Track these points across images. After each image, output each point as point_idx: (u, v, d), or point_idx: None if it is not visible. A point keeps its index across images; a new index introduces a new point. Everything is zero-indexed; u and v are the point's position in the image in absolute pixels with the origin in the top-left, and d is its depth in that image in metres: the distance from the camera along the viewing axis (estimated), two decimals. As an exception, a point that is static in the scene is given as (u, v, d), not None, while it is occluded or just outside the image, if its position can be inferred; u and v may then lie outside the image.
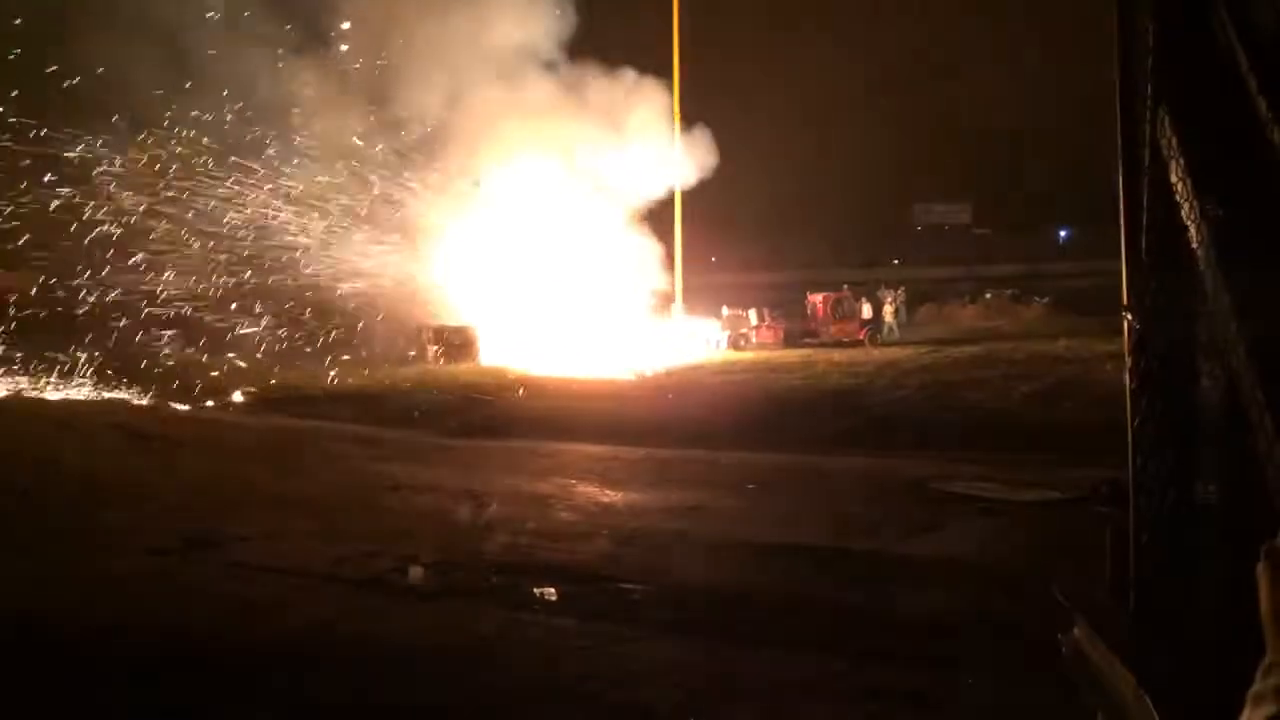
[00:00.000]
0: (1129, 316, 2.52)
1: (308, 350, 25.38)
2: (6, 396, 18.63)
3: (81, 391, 20.09)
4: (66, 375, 20.89)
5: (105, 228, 24.42)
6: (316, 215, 27.57)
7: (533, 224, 28.48)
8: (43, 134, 23.99)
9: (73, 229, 23.88)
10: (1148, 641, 2.41)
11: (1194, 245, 2.03)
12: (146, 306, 24.46)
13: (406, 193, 29.02)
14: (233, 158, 26.50)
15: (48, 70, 23.46)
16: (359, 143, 28.07)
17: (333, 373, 23.30)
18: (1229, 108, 1.94)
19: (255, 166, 26.71)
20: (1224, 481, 2.32)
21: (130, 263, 24.64)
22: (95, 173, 24.84)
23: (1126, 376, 2.55)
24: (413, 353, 27.65)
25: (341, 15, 27.77)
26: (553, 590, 7.68)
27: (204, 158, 26.12)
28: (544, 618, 7.22)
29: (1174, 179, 2.12)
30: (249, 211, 26.62)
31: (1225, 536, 2.29)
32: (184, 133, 25.72)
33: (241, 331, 25.16)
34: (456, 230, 28.90)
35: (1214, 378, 2.27)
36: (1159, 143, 2.22)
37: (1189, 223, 2.03)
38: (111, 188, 24.99)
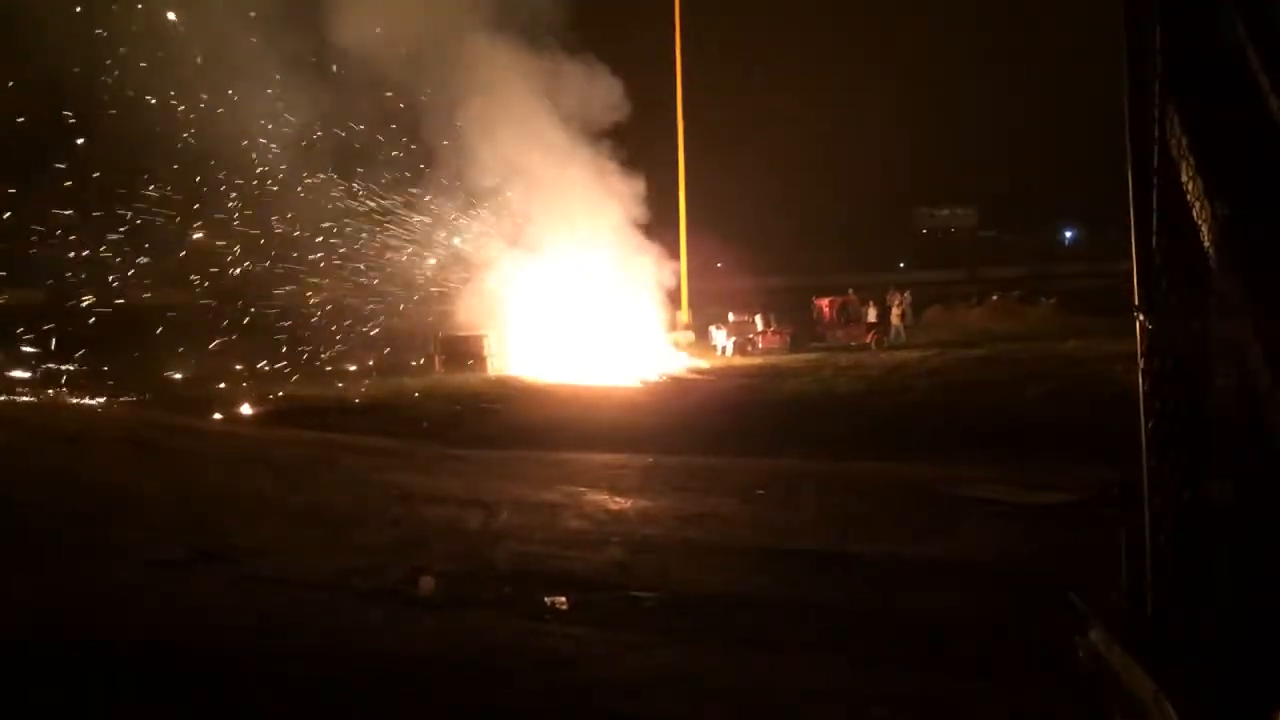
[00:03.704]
0: (1141, 316, 2.51)
1: (316, 362, 25.40)
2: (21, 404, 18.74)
3: (93, 401, 20.19)
4: (79, 386, 21.00)
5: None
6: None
7: (542, 235, 28.46)
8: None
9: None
10: (1165, 644, 2.39)
11: (1206, 245, 2.01)
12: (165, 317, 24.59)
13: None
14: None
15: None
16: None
17: (340, 384, 23.33)
18: (1239, 107, 1.92)
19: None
20: (1239, 482, 2.30)
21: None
22: None
23: (1139, 377, 2.54)
24: (416, 362, 27.58)
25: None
26: (564, 599, 7.66)
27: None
28: (556, 626, 7.20)
29: (1184, 179, 2.11)
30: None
31: (1241, 537, 2.27)
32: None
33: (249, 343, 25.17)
34: (466, 242, 28.92)
35: (1228, 378, 2.25)
36: (1169, 143, 2.21)
37: (1200, 222, 2.02)
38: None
